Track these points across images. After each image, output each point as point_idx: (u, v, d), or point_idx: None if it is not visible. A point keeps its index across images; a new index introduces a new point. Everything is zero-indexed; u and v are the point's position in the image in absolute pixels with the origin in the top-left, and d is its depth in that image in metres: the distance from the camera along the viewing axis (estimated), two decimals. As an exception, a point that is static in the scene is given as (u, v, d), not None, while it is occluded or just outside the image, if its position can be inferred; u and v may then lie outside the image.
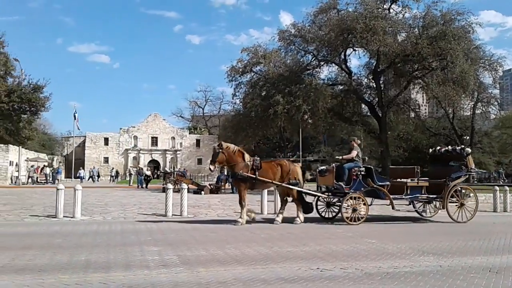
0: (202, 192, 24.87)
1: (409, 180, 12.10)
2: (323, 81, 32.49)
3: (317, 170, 13.09)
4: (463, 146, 13.24)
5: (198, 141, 73.30)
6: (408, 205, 13.31)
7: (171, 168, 57.32)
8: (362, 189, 11.61)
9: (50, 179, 42.28)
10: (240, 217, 11.20)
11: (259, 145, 62.99)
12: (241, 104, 36.26)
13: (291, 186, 11.51)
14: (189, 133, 75.74)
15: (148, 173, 37.35)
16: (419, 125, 42.65)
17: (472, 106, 42.92)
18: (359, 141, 12.64)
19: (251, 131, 34.87)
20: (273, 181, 11.47)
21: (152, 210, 14.81)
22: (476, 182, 49.30)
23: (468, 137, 46.40)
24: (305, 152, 62.83)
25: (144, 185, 34.40)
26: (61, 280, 5.48)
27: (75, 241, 8.45)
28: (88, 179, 53.09)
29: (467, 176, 12.68)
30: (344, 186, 11.56)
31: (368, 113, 35.36)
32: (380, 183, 11.75)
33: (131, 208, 15.64)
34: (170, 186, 14.23)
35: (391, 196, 11.72)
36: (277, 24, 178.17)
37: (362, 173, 11.57)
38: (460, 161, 12.47)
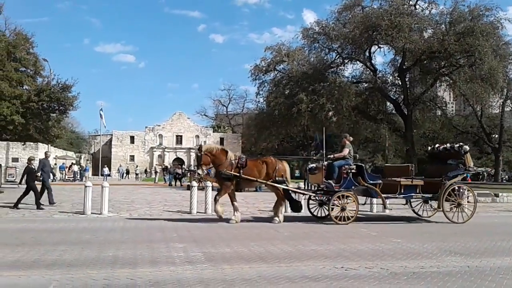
0: (226, 190, 24.95)
1: (402, 179, 11.66)
2: (347, 79, 32.26)
3: (307, 168, 12.81)
4: (461, 143, 12.58)
5: (222, 139, 73.65)
6: (404, 204, 12.76)
7: (195, 166, 57.82)
8: (353, 187, 11.29)
9: (78, 176, 43.22)
10: (234, 215, 11.18)
11: (282, 143, 62.96)
12: (264, 102, 36.32)
13: (276, 185, 11.24)
14: (213, 132, 76.23)
15: (179, 170, 37.74)
16: (446, 123, 41.86)
17: (501, 103, 41.88)
18: (351, 138, 12.17)
19: (274, 129, 34.89)
20: (258, 179, 11.25)
21: (177, 208, 14.99)
22: (505, 181, 48.19)
23: (497, 135, 45.31)
24: (329, 151, 62.46)
25: (174, 183, 34.76)
26: (89, 275, 5.61)
27: (103, 237, 8.63)
28: (122, 177, 54.36)
29: (464, 175, 12.16)
30: (334, 184, 11.25)
31: (393, 111, 34.95)
32: (371, 182, 11.40)
33: (157, 206, 15.85)
34: (194, 184, 14.36)
35: (384, 195, 11.43)
36: (300, 22, 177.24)
37: (353, 171, 11.25)
38: (458, 159, 11.96)
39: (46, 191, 14.60)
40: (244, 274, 5.74)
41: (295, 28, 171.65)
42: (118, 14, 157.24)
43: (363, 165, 11.93)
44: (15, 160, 39.29)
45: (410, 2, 30.10)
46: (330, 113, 29.33)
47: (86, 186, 12.70)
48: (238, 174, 11.00)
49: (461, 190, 11.99)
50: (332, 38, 30.58)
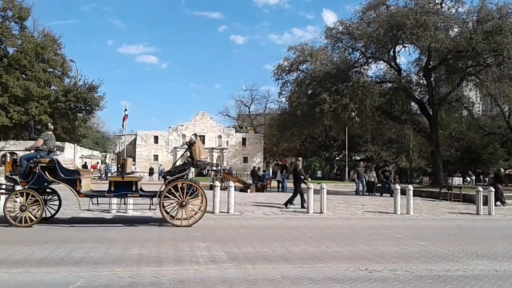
0: (248, 190, 25.06)
1: (111, 176, 10.55)
2: (371, 79, 31.82)
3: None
4: (192, 135, 11.01)
5: (244, 139, 73.83)
6: (151, 205, 10.60)
7: (217, 166, 58.10)
8: (46, 184, 10.04)
9: (104, 175, 44.03)
10: None
11: (304, 144, 62.70)
12: (287, 102, 36.14)
13: None
14: (235, 132, 76.44)
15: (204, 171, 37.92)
16: (473, 123, 40.96)
17: (531, 103, 40.73)
18: (52, 127, 10.83)
19: (296, 129, 34.76)
20: None
21: (200, 207, 15.06)
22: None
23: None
24: (352, 151, 61.91)
25: None
26: (115, 273, 5.71)
27: (128, 236, 8.76)
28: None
29: (191, 170, 10.70)
30: (20, 180, 9.87)
31: (418, 112, 34.35)
32: (67, 177, 9.94)
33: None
34: (217, 183, 14.42)
35: (88, 194, 10.19)
36: (320, 23, 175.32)
37: (42, 165, 9.80)
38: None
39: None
40: (267, 274, 5.75)
41: (315, 28, 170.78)
42: (140, 16, 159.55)
43: (56, 158, 10.21)
44: (43, 158, 40.33)
45: (436, 1, 29.52)
46: (353, 114, 29.02)
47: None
48: None
49: (194, 189, 10.23)
50: (356, 38, 30.22)
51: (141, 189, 10.49)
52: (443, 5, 29.63)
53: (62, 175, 9.89)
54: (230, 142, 73.45)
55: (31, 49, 38.72)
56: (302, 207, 14.89)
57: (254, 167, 37.61)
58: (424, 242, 8.66)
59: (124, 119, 48.00)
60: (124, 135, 67.26)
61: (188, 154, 10.63)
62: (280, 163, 42.12)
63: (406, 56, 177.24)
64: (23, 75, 39.88)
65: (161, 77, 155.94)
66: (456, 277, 5.83)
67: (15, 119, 37.37)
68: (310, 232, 9.73)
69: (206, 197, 10.38)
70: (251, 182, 28.55)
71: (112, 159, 65.39)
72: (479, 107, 65.37)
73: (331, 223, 11.67)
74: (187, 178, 10.73)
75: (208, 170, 43.03)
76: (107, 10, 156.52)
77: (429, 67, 30.34)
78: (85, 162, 46.03)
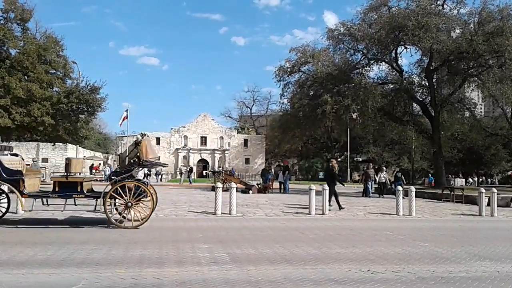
0: (250, 191, 25.05)
1: (55, 176, 10.27)
2: (373, 80, 31.81)
3: None
4: (141, 133, 10.65)
5: (245, 141, 73.92)
6: (94, 206, 10.45)
7: (219, 167, 58.17)
8: None
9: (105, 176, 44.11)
10: None
11: (306, 145, 62.75)
12: (288, 104, 36.15)
13: None
14: (237, 133, 76.54)
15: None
16: (475, 125, 40.89)
17: (532, 105, 40.65)
18: None
19: (298, 131, 34.76)
20: None
21: (202, 208, 15.07)
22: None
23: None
24: (353, 153, 61.91)
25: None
26: (117, 274, 5.71)
27: (129, 237, 8.75)
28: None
29: (139, 170, 10.43)
30: None
31: (420, 113, 34.32)
32: (9, 178, 9.56)
33: (182, 206, 15.99)
34: (219, 185, 14.41)
35: (31, 195, 9.84)
36: (321, 24, 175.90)
37: None
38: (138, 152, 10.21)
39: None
40: (269, 276, 5.75)
41: (316, 30, 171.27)
42: (141, 18, 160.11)
43: None
44: (45, 160, 40.25)
45: (438, 2, 29.52)
46: (355, 115, 29.01)
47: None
48: None
49: (142, 190, 9.94)
50: (357, 39, 30.23)
51: (91, 190, 10.33)
52: (445, 6, 29.64)
53: (4, 175, 9.57)
54: (232, 143, 73.51)
55: (33, 50, 38.81)
56: (340, 207, 15.44)
57: (266, 166, 37.72)
58: (426, 243, 8.65)
59: (124, 118, 47.98)
60: (126, 136, 67.34)
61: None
62: (282, 164, 42.12)
63: (408, 57, 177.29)
64: (26, 77, 40.00)
65: (163, 79, 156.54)
66: (459, 278, 5.82)
67: (18, 121, 37.47)
68: (312, 234, 9.72)
69: (153, 199, 10.11)
70: (259, 182, 28.57)
71: (114, 161, 65.46)
72: (481, 108, 65.28)
73: (333, 224, 11.66)
74: (145, 179, 10.52)
75: (210, 171, 43.03)
76: (108, 12, 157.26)
77: (431, 68, 30.34)
78: (92, 164, 46.13)
